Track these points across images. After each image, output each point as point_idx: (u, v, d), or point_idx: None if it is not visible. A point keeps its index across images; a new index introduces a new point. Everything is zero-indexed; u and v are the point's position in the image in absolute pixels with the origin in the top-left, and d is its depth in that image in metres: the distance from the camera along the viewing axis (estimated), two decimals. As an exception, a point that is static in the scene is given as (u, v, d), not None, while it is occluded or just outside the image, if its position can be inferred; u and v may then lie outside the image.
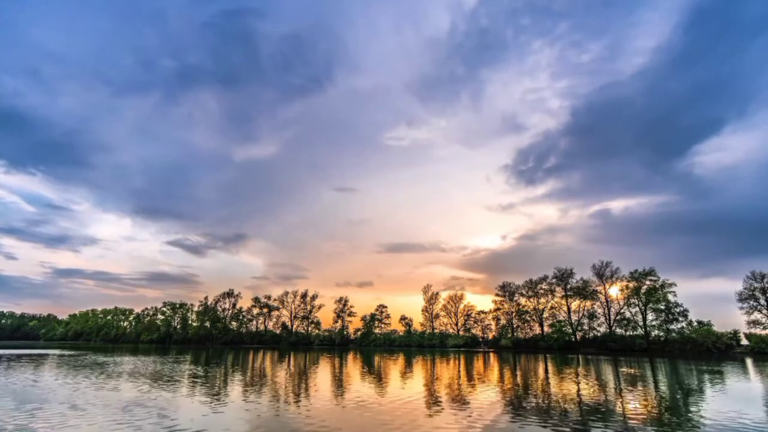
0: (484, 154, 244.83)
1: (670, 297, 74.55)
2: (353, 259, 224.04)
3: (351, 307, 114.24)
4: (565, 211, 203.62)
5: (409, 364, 39.14)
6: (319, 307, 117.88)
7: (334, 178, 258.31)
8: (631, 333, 77.76)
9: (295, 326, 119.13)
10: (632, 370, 32.39)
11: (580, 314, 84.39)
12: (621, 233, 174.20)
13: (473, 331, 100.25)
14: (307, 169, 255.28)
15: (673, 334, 72.67)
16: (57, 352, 59.68)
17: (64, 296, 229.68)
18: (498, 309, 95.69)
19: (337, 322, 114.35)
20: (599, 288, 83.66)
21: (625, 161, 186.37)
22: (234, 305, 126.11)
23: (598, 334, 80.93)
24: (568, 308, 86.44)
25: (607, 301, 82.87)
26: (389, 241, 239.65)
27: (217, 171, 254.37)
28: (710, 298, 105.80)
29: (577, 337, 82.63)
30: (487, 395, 18.11)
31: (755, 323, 67.04)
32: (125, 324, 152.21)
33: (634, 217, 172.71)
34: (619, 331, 79.48)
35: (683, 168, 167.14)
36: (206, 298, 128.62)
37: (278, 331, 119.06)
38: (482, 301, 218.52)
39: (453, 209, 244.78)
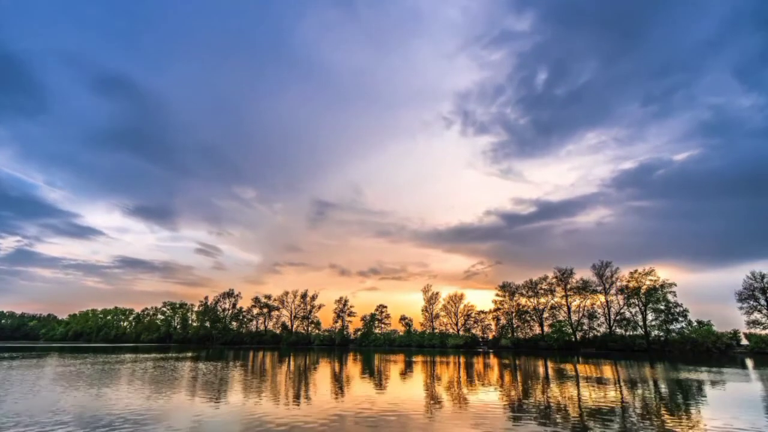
0: (464, 62, 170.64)
1: (670, 297, 74.74)
2: (348, 248, 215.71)
3: (351, 307, 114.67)
4: (588, 170, 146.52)
5: (408, 365, 39.09)
6: (319, 307, 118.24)
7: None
8: (631, 333, 77.89)
9: (295, 326, 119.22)
10: (631, 372, 32.36)
11: (580, 314, 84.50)
12: (674, 198, 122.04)
13: (473, 331, 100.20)
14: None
15: (673, 335, 72.77)
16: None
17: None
18: (498, 309, 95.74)
19: (337, 322, 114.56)
20: (599, 288, 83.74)
21: (700, 66, 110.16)
22: (234, 305, 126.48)
23: (598, 334, 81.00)
24: (568, 308, 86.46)
25: (607, 301, 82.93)
26: (374, 221, 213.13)
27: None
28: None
29: (577, 337, 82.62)
30: (487, 396, 18.08)
31: (755, 323, 67.10)
32: (125, 324, 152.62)
33: (696, 173, 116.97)
34: (619, 331, 79.55)
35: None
36: (206, 297, 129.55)
37: (278, 331, 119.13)
38: (485, 297, 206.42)
39: (440, 177, 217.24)
